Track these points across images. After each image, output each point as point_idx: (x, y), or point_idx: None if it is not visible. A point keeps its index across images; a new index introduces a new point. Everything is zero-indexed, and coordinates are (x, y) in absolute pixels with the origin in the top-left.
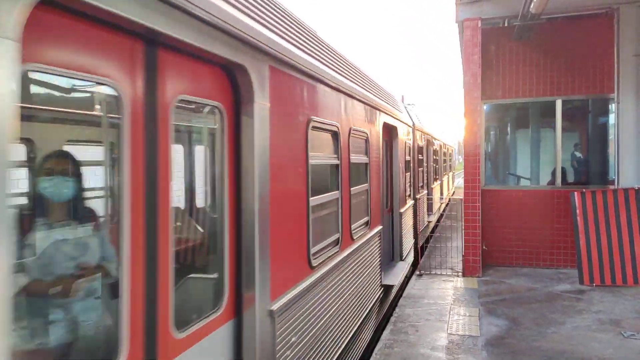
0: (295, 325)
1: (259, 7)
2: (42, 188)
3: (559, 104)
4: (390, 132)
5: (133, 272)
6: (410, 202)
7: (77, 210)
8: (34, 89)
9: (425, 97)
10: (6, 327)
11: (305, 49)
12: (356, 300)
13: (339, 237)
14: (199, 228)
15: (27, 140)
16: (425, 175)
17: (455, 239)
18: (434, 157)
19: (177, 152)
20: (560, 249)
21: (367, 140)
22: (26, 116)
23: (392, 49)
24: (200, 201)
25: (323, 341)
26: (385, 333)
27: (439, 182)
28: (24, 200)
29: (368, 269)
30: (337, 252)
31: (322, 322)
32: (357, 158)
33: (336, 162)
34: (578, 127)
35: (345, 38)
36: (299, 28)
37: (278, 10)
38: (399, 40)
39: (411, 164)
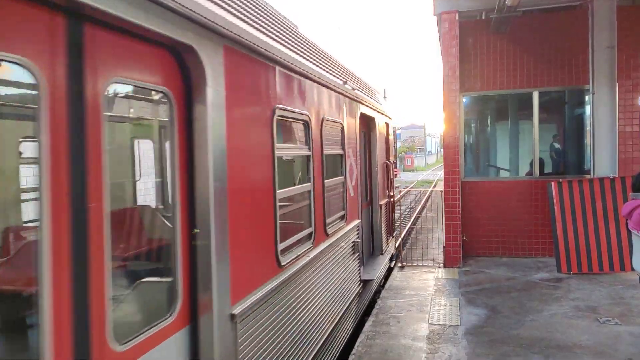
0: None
1: None
2: None
3: (535, 96)
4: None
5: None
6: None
7: None
8: None
9: (407, 88)
10: None
11: None
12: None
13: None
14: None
15: None
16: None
17: (437, 230)
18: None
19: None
20: (539, 238)
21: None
22: None
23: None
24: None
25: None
26: (367, 325)
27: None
28: None
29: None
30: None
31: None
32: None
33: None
34: (555, 118)
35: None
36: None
37: None
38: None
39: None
